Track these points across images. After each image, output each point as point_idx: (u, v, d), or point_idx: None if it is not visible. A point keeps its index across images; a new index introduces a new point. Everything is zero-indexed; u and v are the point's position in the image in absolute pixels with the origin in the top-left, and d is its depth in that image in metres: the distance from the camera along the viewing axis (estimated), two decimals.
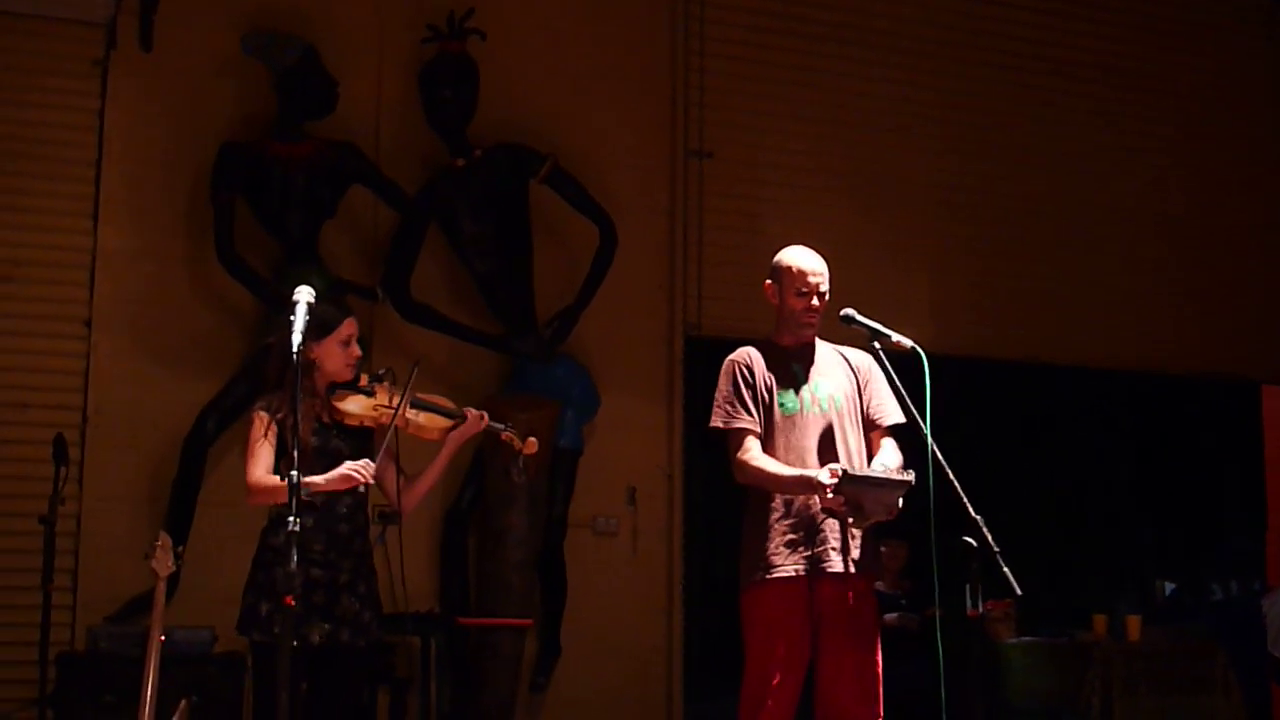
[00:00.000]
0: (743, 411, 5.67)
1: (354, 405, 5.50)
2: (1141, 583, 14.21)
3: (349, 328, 5.49)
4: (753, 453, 5.62)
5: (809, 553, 5.53)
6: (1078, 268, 10.62)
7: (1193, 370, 11.22)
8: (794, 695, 5.57)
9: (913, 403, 5.44)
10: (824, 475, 5.34)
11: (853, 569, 5.57)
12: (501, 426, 5.88)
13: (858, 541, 5.59)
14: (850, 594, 5.58)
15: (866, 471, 5.39)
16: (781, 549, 5.55)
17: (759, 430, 5.66)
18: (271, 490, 5.29)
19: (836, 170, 10.07)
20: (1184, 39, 11.25)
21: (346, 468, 5.28)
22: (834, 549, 5.54)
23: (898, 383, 5.60)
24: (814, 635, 5.56)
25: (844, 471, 5.31)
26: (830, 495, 5.32)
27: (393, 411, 5.51)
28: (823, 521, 5.52)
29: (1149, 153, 10.99)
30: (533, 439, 5.89)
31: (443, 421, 5.67)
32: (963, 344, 10.07)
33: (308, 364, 5.30)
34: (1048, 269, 10.55)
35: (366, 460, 5.33)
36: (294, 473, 4.86)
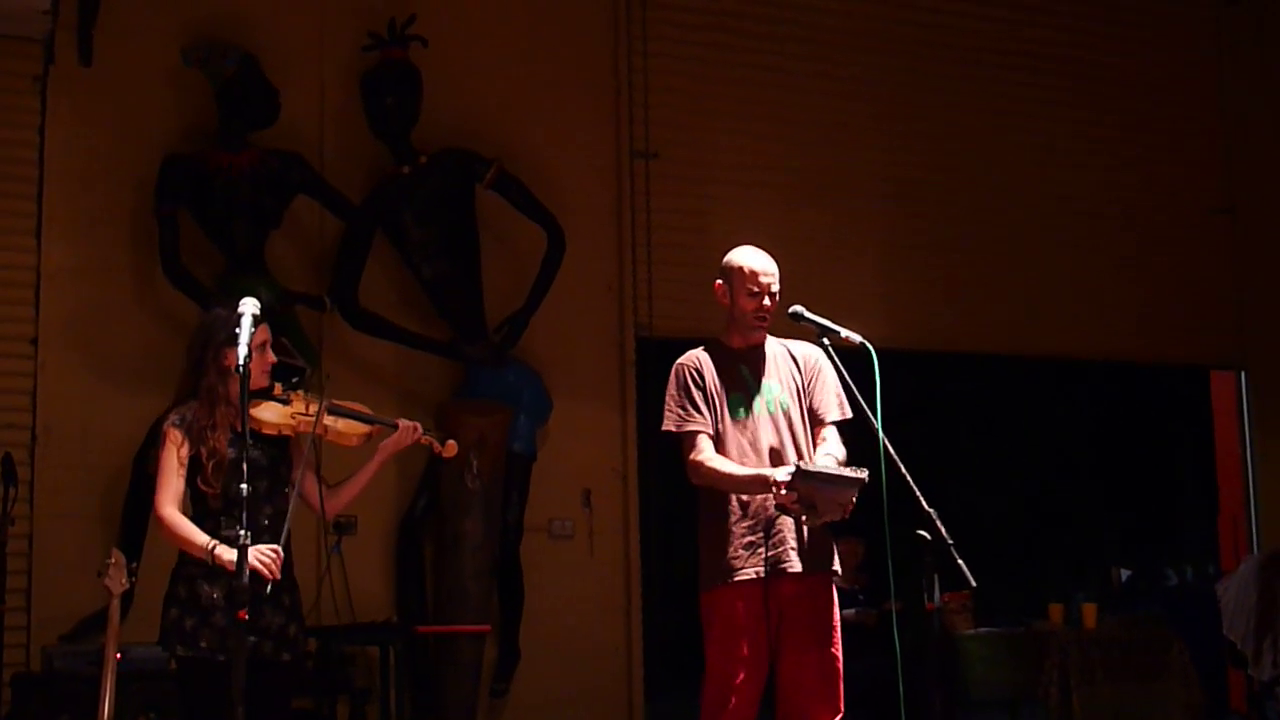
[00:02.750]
0: (695, 413, 5.64)
1: (270, 414, 5.40)
2: (1098, 570, 14.27)
3: (262, 334, 5.38)
4: (706, 454, 5.59)
5: (768, 554, 5.52)
6: (1027, 259, 10.67)
7: (1143, 358, 11.31)
8: (755, 696, 5.56)
9: (863, 398, 5.44)
10: (780, 473, 5.33)
11: (811, 568, 5.58)
12: (420, 431, 5.82)
13: (815, 539, 5.59)
14: (809, 593, 5.58)
15: (820, 468, 5.38)
16: (740, 552, 5.54)
17: (711, 431, 5.64)
18: (176, 536, 5.21)
19: (784, 167, 10.08)
20: (1134, 29, 11.34)
21: (256, 560, 5.04)
22: (792, 549, 5.53)
23: (848, 378, 5.59)
24: (774, 635, 5.56)
25: (798, 468, 5.30)
26: (784, 492, 5.31)
27: (310, 419, 5.43)
28: (779, 521, 5.51)
29: (1099, 142, 11.07)
30: (452, 442, 5.79)
31: (361, 428, 5.59)
32: (914, 338, 10.11)
33: (221, 370, 5.22)
34: (998, 261, 10.60)
35: (277, 551, 5.19)
36: (244, 485, 4.83)
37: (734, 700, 5.52)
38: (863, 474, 5.29)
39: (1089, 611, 9.06)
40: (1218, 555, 11.84)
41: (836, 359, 5.64)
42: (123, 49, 8.55)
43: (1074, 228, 10.85)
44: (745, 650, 5.53)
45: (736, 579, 5.53)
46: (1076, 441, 17.10)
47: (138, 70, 8.59)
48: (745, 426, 5.64)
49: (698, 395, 5.66)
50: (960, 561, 5.09)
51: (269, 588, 5.13)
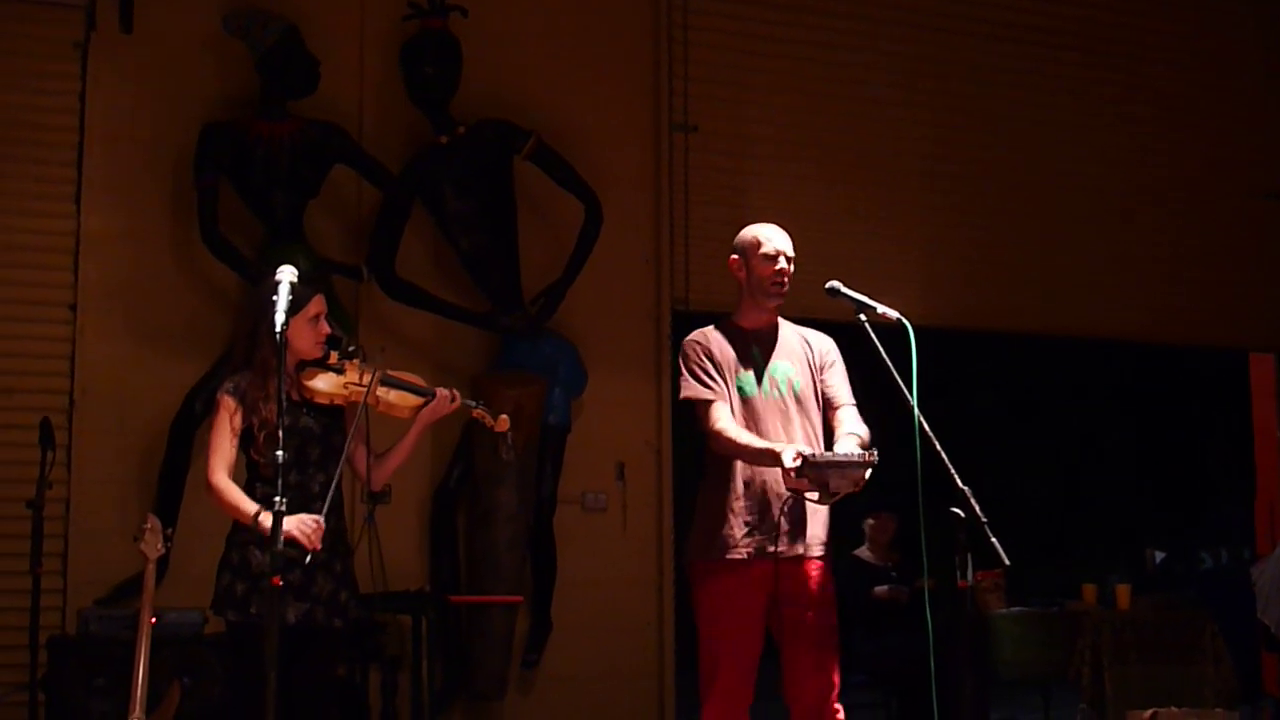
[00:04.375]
0: (711, 382, 5.70)
1: (323, 383, 5.45)
2: (1132, 552, 14.25)
3: (317, 305, 5.43)
4: (724, 422, 5.63)
5: (764, 535, 5.57)
6: (1067, 238, 10.61)
7: (1181, 340, 11.24)
8: (745, 671, 5.60)
9: (900, 375, 5.43)
10: (787, 457, 5.34)
11: (808, 550, 5.63)
12: (473, 404, 5.86)
13: (815, 520, 5.62)
14: (803, 575, 5.63)
15: (827, 457, 5.39)
16: (737, 530, 5.61)
17: (725, 400, 5.69)
18: (224, 503, 5.29)
19: (822, 142, 10.04)
20: (1177, 8, 11.23)
21: (296, 524, 5.16)
22: (787, 532, 5.58)
23: (884, 354, 5.58)
24: (769, 615, 5.62)
25: (805, 458, 5.32)
26: (794, 478, 5.35)
27: (363, 389, 5.47)
28: (785, 502, 5.54)
29: (1136, 121, 10.98)
30: (504, 416, 5.86)
31: (414, 399, 5.63)
32: (951, 315, 10.08)
33: (275, 342, 5.25)
34: (1036, 239, 10.55)
35: (319, 521, 5.25)
36: (280, 452, 4.86)
37: (720, 676, 5.62)
38: (871, 456, 5.31)
39: (1123, 593, 9.04)
40: (1253, 538, 11.79)
41: (874, 336, 5.63)
42: (164, 17, 8.56)
43: (1112, 207, 10.78)
44: (732, 626, 5.61)
45: (729, 556, 5.60)
46: (1113, 422, 17.07)
47: (178, 38, 8.59)
48: (752, 406, 5.70)
49: (707, 366, 5.72)
50: (994, 540, 5.09)
51: (308, 558, 5.17)
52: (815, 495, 5.41)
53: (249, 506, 5.21)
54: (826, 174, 9.97)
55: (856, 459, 5.33)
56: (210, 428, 5.47)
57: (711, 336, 5.81)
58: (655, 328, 9.42)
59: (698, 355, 5.76)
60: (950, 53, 10.44)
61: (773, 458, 5.43)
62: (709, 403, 5.68)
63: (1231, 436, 13.24)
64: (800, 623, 5.62)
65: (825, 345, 5.85)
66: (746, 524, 5.58)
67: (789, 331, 5.87)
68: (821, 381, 5.79)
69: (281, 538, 4.86)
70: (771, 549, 5.57)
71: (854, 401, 5.80)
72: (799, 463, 5.30)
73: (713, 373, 5.71)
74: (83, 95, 8.41)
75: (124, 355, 8.28)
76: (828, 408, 5.79)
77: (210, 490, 5.32)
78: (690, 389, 5.73)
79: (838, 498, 5.45)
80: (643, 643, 9.14)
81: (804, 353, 5.81)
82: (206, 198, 8.19)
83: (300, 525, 5.15)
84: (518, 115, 8.89)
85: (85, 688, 7.07)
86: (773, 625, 5.66)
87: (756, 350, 5.77)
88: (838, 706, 5.64)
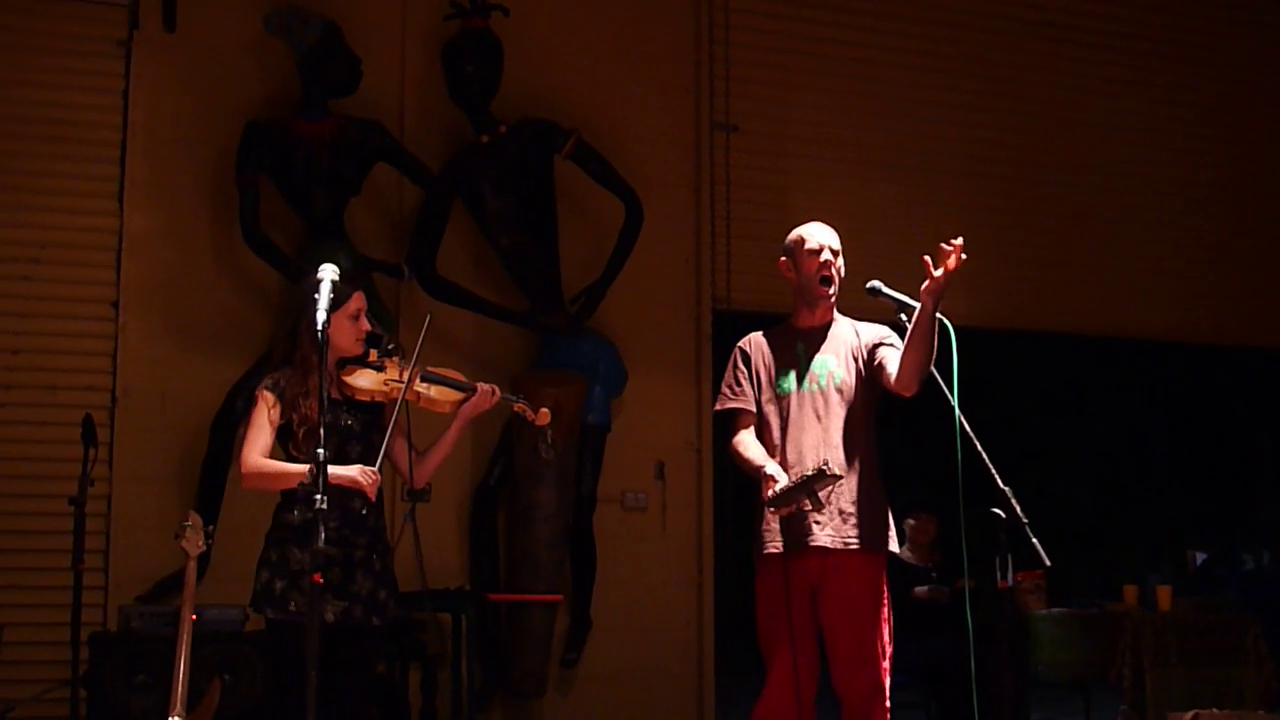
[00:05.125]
0: (738, 393, 5.84)
1: (364, 380, 5.45)
2: (1173, 553, 14.20)
3: (357, 301, 5.45)
4: (739, 435, 5.81)
5: (794, 529, 5.60)
6: (1109, 238, 10.57)
7: (1224, 340, 11.18)
8: (801, 668, 5.57)
9: (940, 375, 5.42)
10: (767, 488, 5.48)
11: (847, 544, 5.62)
12: (514, 398, 5.87)
13: (859, 513, 5.65)
14: (841, 567, 5.64)
15: (786, 486, 5.44)
16: (772, 526, 5.66)
17: (751, 409, 5.81)
18: (268, 476, 5.30)
19: (863, 142, 10.03)
20: (1215, 4, 11.17)
21: (359, 471, 5.26)
22: (817, 524, 5.61)
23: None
24: (813, 609, 5.65)
25: (769, 499, 5.46)
26: (771, 510, 5.53)
27: (403, 386, 5.48)
28: (826, 495, 5.57)
29: (1181, 121, 10.93)
30: (545, 410, 5.86)
31: (454, 395, 5.63)
32: (994, 316, 10.05)
33: (316, 340, 5.26)
34: (1079, 239, 10.51)
35: (377, 475, 5.31)
36: (320, 450, 4.86)
37: (770, 669, 5.67)
38: (829, 469, 5.36)
39: (1164, 594, 8.99)
40: None
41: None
42: (206, 15, 8.60)
43: (1154, 207, 10.74)
44: (776, 624, 5.64)
45: (766, 552, 5.70)
46: (1154, 423, 17.00)
47: (220, 37, 8.63)
48: (789, 403, 5.78)
49: (741, 374, 5.87)
50: (1035, 540, 5.07)
51: (364, 509, 5.29)
52: (808, 506, 5.47)
53: (296, 468, 5.23)
54: (867, 173, 9.95)
55: (813, 476, 5.38)
56: (247, 424, 5.47)
57: (755, 341, 5.92)
58: (696, 327, 9.42)
59: (734, 364, 5.92)
60: (991, 52, 10.41)
61: (761, 478, 5.57)
62: (728, 412, 5.87)
63: (1273, 437, 13.17)
64: (837, 615, 5.62)
65: (879, 330, 5.84)
66: (782, 519, 5.58)
67: (844, 326, 5.88)
68: (874, 358, 5.76)
69: (322, 532, 4.84)
70: (811, 542, 5.59)
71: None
72: (769, 497, 5.46)
73: (741, 380, 5.85)
74: (125, 94, 8.46)
75: (166, 353, 8.32)
76: (876, 363, 5.76)
77: (249, 474, 5.32)
78: (719, 401, 5.92)
79: (829, 494, 5.52)
80: (682, 642, 9.14)
81: (853, 342, 5.81)
82: (248, 196, 8.22)
83: (362, 472, 5.24)
84: (558, 115, 8.90)
85: (126, 685, 7.10)
86: (819, 618, 5.65)
87: (802, 347, 5.81)
88: (887, 705, 5.62)
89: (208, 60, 8.60)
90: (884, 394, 5.76)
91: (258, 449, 5.33)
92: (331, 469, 5.02)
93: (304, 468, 5.12)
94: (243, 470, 5.34)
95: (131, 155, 8.42)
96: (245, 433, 5.40)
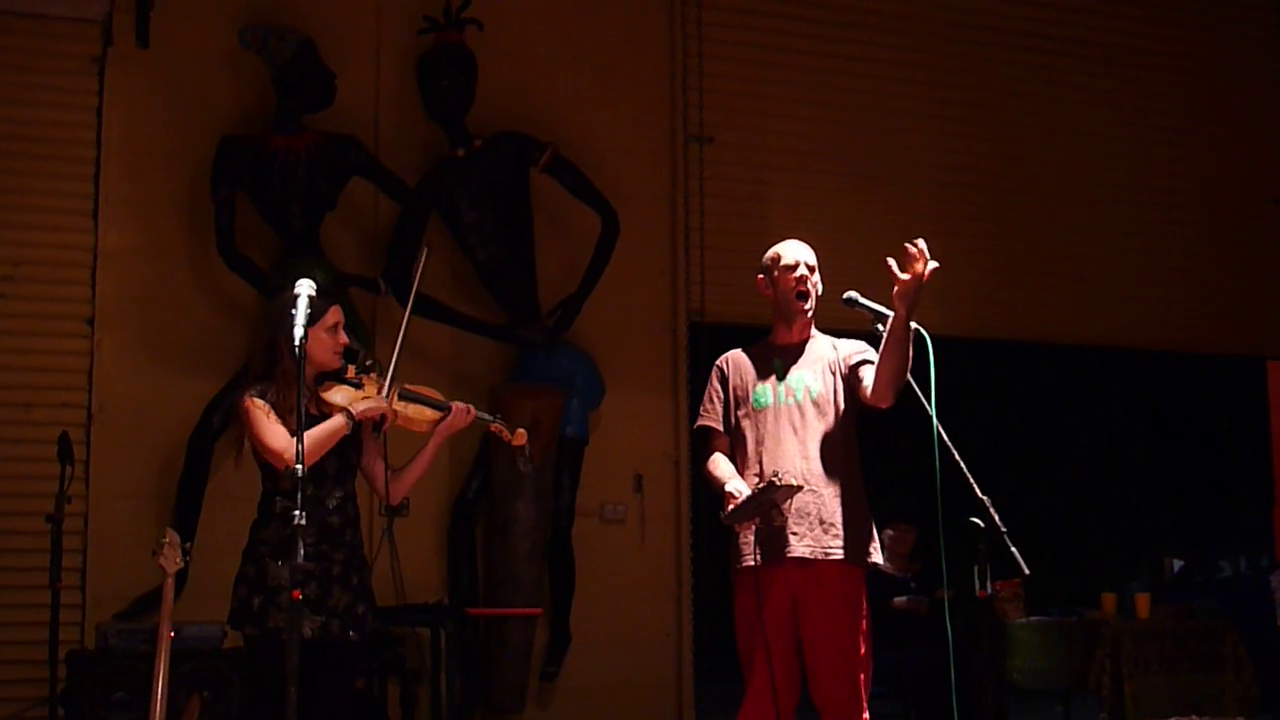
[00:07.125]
0: (709, 411, 5.88)
1: (341, 397, 5.44)
2: (1150, 560, 14.22)
3: (334, 315, 5.44)
4: (710, 450, 5.85)
5: (771, 541, 5.59)
6: (1086, 248, 10.61)
7: (1199, 348, 11.23)
8: (776, 680, 5.55)
9: (917, 384, 5.43)
10: (730, 494, 5.49)
11: (823, 553, 5.62)
12: (490, 418, 5.85)
13: (838, 523, 5.62)
14: (817, 579, 5.62)
15: (741, 504, 5.44)
16: (747, 539, 5.65)
17: (720, 427, 5.84)
18: (321, 440, 5.25)
19: (838, 153, 10.05)
20: (1193, 16, 11.23)
21: (376, 404, 5.40)
22: (794, 534, 5.60)
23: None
24: (791, 620, 5.62)
25: (727, 512, 5.46)
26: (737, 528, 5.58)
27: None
28: (783, 508, 5.58)
29: (1155, 130, 10.98)
30: (521, 430, 5.87)
31: (431, 414, 5.63)
32: (968, 326, 10.07)
33: (295, 354, 5.23)
34: (1055, 249, 10.54)
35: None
36: (299, 466, 4.83)
37: (748, 681, 5.65)
38: (778, 480, 5.36)
39: (1142, 601, 9.00)
40: (1272, 546, 11.76)
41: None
42: (180, 31, 8.60)
43: (1130, 217, 10.78)
44: (754, 637, 5.61)
45: (741, 565, 5.69)
46: (1131, 431, 17.04)
47: (195, 53, 8.63)
48: (764, 417, 5.78)
49: (714, 391, 5.91)
50: (1013, 549, 5.09)
51: (341, 524, 5.37)
52: (777, 520, 5.51)
53: (336, 419, 5.31)
54: (842, 184, 9.97)
55: (764, 487, 5.39)
56: (242, 433, 5.39)
57: (733, 358, 5.93)
58: (672, 340, 9.42)
59: (711, 382, 5.95)
60: (969, 63, 10.44)
61: (723, 495, 5.57)
62: (702, 430, 5.91)
63: (1249, 444, 13.21)
64: (815, 627, 5.61)
65: (858, 345, 5.84)
66: (757, 531, 5.59)
67: (822, 343, 5.89)
68: (850, 370, 5.76)
69: (300, 551, 4.82)
70: (789, 553, 5.58)
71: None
72: (729, 510, 5.46)
73: (714, 397, 5.88)
74: (100, 110, 8.45)
75: (142, 369, 8.30)
76: (855, 375, 5.76)
77: (283, 452, 5.20)
78: (699, 418, 5.94)
79: (788, 504, 5.51)
80: (662, 654, 9.13)
81: (830, 357, 5.82)
82: (223, 211, 8.21)
83: (379, 402, 5.37)
84: (534, 128, 8.91)
85: (104, 702, 7.07)
86: (799, 630, 5.65)
87: (779, 362, 5.81)
88: (866, 716, 5.62)
89: (182, 76, 8.59)
90: (862, 408, 5.75)
91: (280, 434, 5.27)
92: (359, 403, 5.23)
93: (342, 418, 5.29)
94: (275, 449, 5.24)
95: (106, 172, 8.40)
96: (253, 436, 5.34)
